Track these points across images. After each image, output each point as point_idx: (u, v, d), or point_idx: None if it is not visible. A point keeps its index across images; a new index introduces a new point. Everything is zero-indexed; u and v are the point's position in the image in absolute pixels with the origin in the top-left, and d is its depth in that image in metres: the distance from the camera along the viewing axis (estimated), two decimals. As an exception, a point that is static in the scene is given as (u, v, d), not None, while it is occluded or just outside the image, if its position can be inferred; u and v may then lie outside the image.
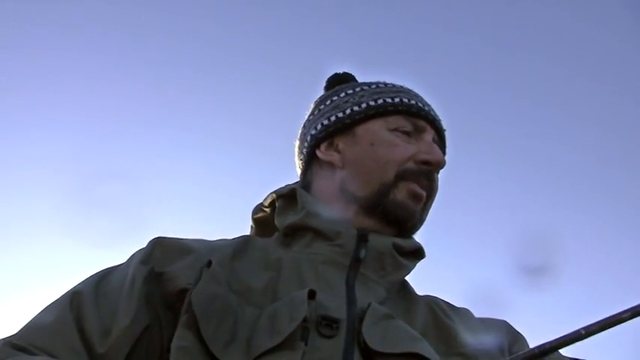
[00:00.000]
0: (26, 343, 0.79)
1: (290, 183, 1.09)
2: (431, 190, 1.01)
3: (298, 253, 0.95)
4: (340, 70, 1.18)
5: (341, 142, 1.05)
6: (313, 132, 1.09)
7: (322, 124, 1.08)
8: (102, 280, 0.90)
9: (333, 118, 1.07)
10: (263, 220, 1.08)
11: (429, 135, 1.04)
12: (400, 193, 0.97)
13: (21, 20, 3.17)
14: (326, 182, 1.05)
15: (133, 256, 0.94)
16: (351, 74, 1.17)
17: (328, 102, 1.11)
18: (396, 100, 1.05)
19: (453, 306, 1.00)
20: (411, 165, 0.99)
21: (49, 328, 0.82)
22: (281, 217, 1.02)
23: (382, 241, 0.96)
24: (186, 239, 0.96)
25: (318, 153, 1.07)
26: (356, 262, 0.93)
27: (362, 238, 0.95)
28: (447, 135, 1.11)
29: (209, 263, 0.85)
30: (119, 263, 0.95)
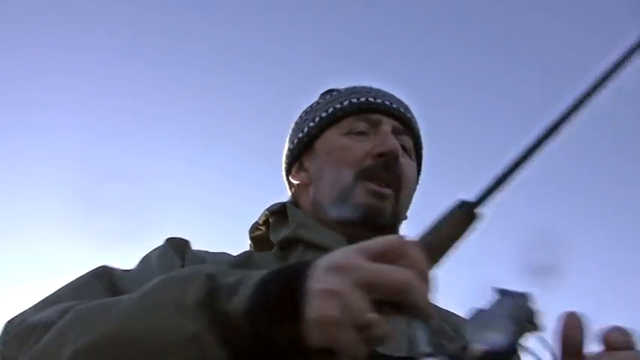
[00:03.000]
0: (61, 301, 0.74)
1: (283, 201, 1.11)
2: (397, 180, 0.99)
3: None
4: (336, 81, 1.19)
5: (306, 161, 1.09)
6: (284, 159, 1.15)
7: (289, 149, 1.13)
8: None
9: (295, 141, 1.12)
10: (260, 239, 1.10)
11: (387, 126, 1.04)
12: (359, 195, 0.97)
13: (28, 20, 3.19)
14: (304, 201, 1.07)
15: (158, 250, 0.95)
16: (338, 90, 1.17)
17: (294, 126, 1.16)
18: (345, 103, 1.07)
19: (452, 313, 1.00)
20: (368, 162, 0.99)
21: (81, 287, 0.80)
22: (275, 233, 1.04)
23: None
24: (203, 252, 0.97)
25: (290, 179, 1.12)
26: None
27: (350, 243, 0.94)
28: (411, 112, 1.11)
29: None
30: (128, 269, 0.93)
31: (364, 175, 0.98)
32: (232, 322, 0.55)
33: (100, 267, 0.85)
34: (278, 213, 1.07)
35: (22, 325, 0.68)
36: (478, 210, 0.57)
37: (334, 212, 0.98)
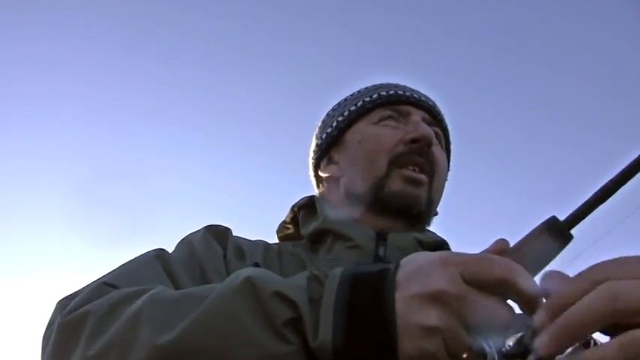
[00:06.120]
0: (119, 283, 0.72)
1: (307, 195, 1.11)
2: (432, 166, 1.00)
3: (322, 259, 0.95)
4: (355, 78, 1.18)
5: (336, 154, 1.08)
6: (312, 155, 1.15)
7: (316, 145, 1.13)
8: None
9: (323, 136, 1.11)
10: (288, 238, 1.09)
11: (417, 116, 1.04)
12: (395, 183, 0.97)
13: (32, 15, 3.13)
14: (334, 194, 1.06)
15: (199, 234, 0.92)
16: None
17: (321, 124, 1.16)
18: (374, 96, 1.07)
19: None
20: (401, 148, 0.99)
21: (139, 271, 0.78)
22: (305, 227, 1.03)
23: (403, 238, 0.95)
24: (240, 239, 0.95)
25: (320, 173, 1.11)
26: (378, 261, 0.92)
27: (380, 237, 0.95)
28: (439, 108, 1.12)
29: (256, 265, 0.87)
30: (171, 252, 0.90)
31: (398, 161, 0.98)
32: (319, 351, 0.53)
33: (159, 249, 0.83)
34: (306, 207, 1.07)
35: (79, 312, 0.65)
36: (569, 230, 0.55)
37: (370, 201, 0.97)
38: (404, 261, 0.55)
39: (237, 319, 0.55)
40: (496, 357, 0.53)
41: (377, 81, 1.15)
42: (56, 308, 0.71)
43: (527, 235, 0.56)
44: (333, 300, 0.54)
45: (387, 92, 1.07)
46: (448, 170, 1.12)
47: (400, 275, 0.53)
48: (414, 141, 0.99)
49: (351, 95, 1.13)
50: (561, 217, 0.55)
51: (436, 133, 1.05)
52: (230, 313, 0.56)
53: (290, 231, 1.09)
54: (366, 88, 1.12)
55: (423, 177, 0.98)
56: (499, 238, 0.58)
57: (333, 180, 1.07)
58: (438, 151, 1.03)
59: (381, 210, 0.97)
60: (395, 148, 0.99)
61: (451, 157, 1.15)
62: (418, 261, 0.54)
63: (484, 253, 0.57)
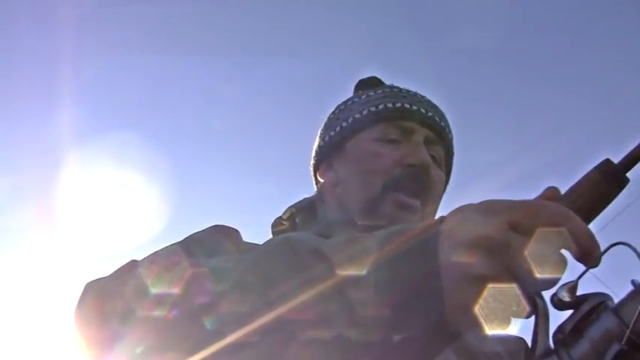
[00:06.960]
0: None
1: (307, 196, 1.10)
2: (426, 192, 0.99)
3: None
4: (371, 73, 1.17)
5: (335, 161, 1.07)
6: (313, 154, 1.13)
7: (319, 146, 1.12)
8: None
9: (326, 138, 1.10)
10: (282, 233, 1.05)
11: (419, 135, 1.03)
12: (387, 206, 0.96)
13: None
14: (329, 199, 1.05)
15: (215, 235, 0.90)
16: (376, 78, 1.17)
17: (326, 120, 1.14)
18: (380, 107, 1.05)
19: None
20: (398, 171, 0.98)
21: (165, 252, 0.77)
22: (304, 230, 1.02)
23: None
24: (250, 244, 0.92)
25: (318, 176, 1.10)
26: None
27: None
28: (446, 120, 1.10)
29: None
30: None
31: (393, 185, 0.97)
32: (361, 304, 0.51)
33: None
34: (305, 210, 1.06)
35: (115, 283, 0.65)
36: (625, 173, 0.52)
37: (360, 220, 0.96)
38: (448, 213, 0.53)
39: (275, 275, 0.55)
40: (547, 307, 0.50)
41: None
42: (87, 287, 0.70)
43: (579, 181, 0.53)
44: (375, 254, 0.53)
45: (393, 105, 1.05)
46: (446, 186, 1.12)
47: (444, 226, 0.51)
48: (411, 166, 0.98)
49: (359, 97, 1.11)
50: (615, 160, 0.53)
51: (434, 156, 1.05)
52: (269, 267, 0.56)
53: (284, 227, 1.06)
54: (375, 92, 1.10)
55: (415, 202, 0.97)
56: (549, 185, 0.55)
57: (329, 185, 1.06)
58: (435, 173, 1.02)
59: (374, 228, 0.97)
60: (391, 170, 0.98)
61: (452, 170, 1.14)
62: (462, 210, 0.52)
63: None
